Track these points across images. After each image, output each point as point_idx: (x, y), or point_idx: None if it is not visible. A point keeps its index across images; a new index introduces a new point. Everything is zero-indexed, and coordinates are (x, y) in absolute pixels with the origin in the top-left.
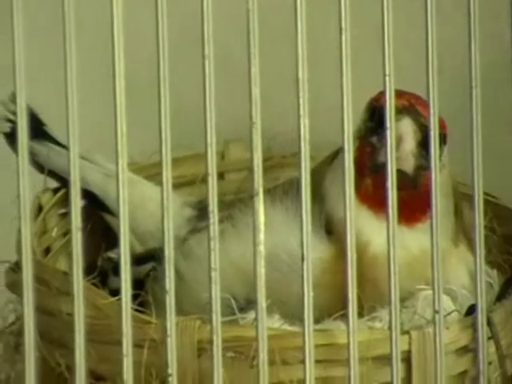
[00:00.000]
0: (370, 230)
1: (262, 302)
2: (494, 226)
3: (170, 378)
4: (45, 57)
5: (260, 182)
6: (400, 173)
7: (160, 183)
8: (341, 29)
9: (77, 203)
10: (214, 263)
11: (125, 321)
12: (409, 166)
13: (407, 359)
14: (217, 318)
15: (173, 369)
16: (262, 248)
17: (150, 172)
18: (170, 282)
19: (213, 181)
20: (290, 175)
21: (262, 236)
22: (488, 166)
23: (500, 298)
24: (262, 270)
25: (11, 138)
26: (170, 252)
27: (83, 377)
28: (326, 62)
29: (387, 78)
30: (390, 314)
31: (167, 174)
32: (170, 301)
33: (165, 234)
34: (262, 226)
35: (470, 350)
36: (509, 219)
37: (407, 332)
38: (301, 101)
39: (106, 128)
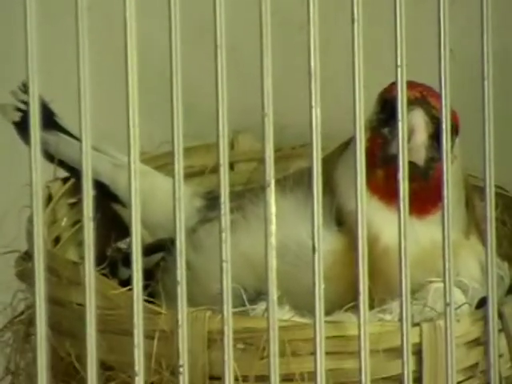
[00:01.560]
0: (380, 221)
1: (274, 293)
2: (504, 219)
3: (181, 369)
4: (56, 47)
5: (272, 174)
6: (411, 165)
7: (169, 173)
8: (353, 19)
9: (89, 194)
10: (226, 255)
11: (136, 312)
12: (420, 157)
13: (418, 352)
14: (228, 309)
15: (184, 359)
16: (273, 240)
17: (159, 162)
18: (181, 273)
19: (224, 172)
20: (299, 166)
21: (273, 228)
22: (499, 158)
23: (511, 290)
24: (273, 262)
25: (21, 127)
26: (181, 243)
27: (95, 367)
28: (338, 52)
29: (399, 69)
30: (401, 306)
31: (179, 165)
32: (182, 292)
33: (176, 224)
34: (273, 218)
35: (480, 343)
36: None
37: (418, 324)
38: (313, 91)
39: (114, 117)
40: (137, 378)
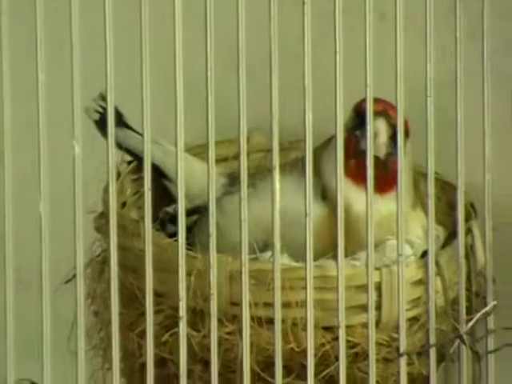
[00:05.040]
0: (353, 196)
1: (278, 245)
2: (439, 195)
3: (211, 297)
4: (121, 60)
5: (277, 160)
6: (375, 157)
7: (203, 159)
8: (335, 52)
9: (148, 172)
10: (244, 216)
11: (181, 256)
12: (382, 153)
13: (378, 288)
14: (245, 255)
15: (214, 290)
16: (277, 206)
17: (196, 151)
18: (212, 229)
19: (243, 159)
20: (295, 155)
21: (277, 198)
22: (436, 153)
23: (444, 245)
24: (277, 223)
25: (99, 124)
26: (213, 208)
27: (151, 293)
28: (325, 74)
29: (368, 89)
30: (367, 255)
31: (212, 153)
32: (213, 242)
33: (209, 194)
34: (277, 191)
35: (423, 283)
36: (449, 190)
37: (378, 269)
38: (307, 101)
39: (163, 118)
40: (180, 303)
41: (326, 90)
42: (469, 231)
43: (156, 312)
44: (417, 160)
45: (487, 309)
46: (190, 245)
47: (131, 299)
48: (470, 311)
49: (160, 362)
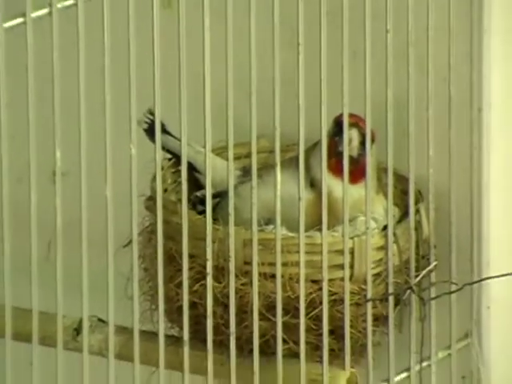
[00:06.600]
0: (333, 185)
1: (278, 220)
2: (396, 185)
3: (230, 258)
4: (164, 83)
5: (278, 159)
6: (350, 157)
7: (224, 158)
8: (321, 79)
9: (184, 167)
10: (254, 199)
11: (208, 228)
12: (354, 153)
13: (352, 252)
14: (254, 228)
15: (231, 253)
16: (278, 193)
17: (218, 151)
18: (231, 209)
19: (254, 157)
20: (291, 155)
21: (278, 186)
22: (393, 153)
23: (399, 221)
24: (278, 204)
25: (148, 131)
26: (231, 193)
27: (186, 255)
28: (313, 95)
29: (344, 106)
30: (343, 228)
31: (231, 153)
32: (231, 219)
33: (229, 182)
34: (279, 181)
35: (383, 248)
36: (403, 181)
37: (352, 238)
38: (300, 116)
39: (195, 126)
40: (208, 262)
41: (313, 106)
42: (417, 211)
43: (189, 269)
44: (380, 158)
45: (430, 267)
46: (214, 220)
47: (170, 259)
48: (418, 269)
49: (191, 306)
